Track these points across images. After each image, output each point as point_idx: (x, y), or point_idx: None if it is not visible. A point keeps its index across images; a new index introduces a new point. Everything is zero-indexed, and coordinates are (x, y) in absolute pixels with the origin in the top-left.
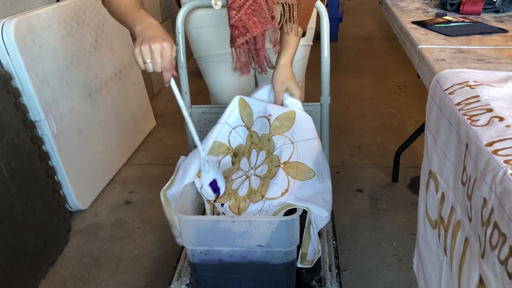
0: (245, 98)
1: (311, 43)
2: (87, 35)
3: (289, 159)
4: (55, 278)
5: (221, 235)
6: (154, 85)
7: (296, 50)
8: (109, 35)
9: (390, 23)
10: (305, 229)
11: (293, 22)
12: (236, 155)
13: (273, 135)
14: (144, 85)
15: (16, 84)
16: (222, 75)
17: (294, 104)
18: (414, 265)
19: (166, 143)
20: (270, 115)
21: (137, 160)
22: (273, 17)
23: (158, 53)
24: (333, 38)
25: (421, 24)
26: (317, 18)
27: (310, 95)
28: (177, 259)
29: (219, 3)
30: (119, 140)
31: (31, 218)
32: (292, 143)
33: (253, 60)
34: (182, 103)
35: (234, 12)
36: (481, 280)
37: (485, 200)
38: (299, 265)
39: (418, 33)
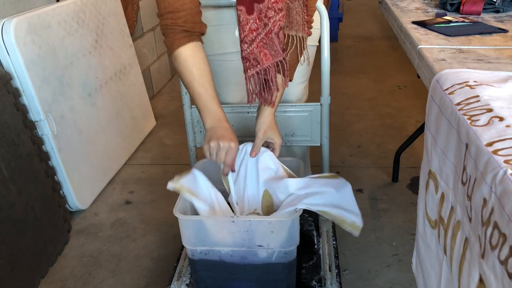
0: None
1: (317, 44)
2: (87, 35)
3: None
4: (55, 278)
5: (221, 235)
6: (154, 85)
7: (281, 99)
8: (109, 35)
9: (390, 23)
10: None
11: (303, 54)
12: None
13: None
14: (144, 85)
15: (16, 84)
16: (229, 73)
17: (267, 163)
18: (413, 265)
19: (166, 143)
20: (255, 209)
21: (137, 160)
22: (283, 50)
23: (224, 151)
24: (333, 38)
25: (421, 24)
26: None
27: (310, 95)
28: (177, 259)
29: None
30: (119, 140)
31: (31, 218)
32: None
33: (263, 90)
34: (234, 196)
35: (246, 45)
36: (481, 280)
37: (485, 200)
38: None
39: (418, 33)
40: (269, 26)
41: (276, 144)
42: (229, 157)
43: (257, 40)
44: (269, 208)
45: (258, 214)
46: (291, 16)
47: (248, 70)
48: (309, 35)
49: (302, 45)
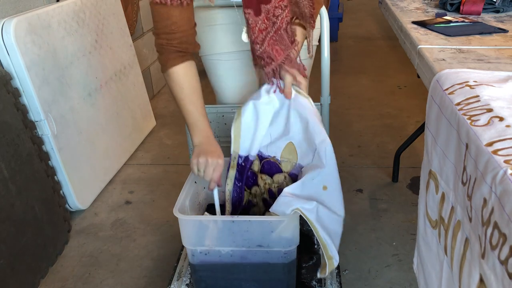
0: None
1: (317, 43)
2: (87, 35)
3: None
4: (55, 278)
5: (221, 235)
6: (154, 85)
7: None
8: (109, 35)
9: (390, 23)
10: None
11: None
12: (254, 196)
13: (287, 172)
14: (144, 85)
15: (16, 84)
16: (227, 73)
17: (299, 100)
18: (414, 265)
19: (166, 143)
20: (274, 156)
21: (137, 160)
22: (292, 42)
23: (212, 167)
24: (333, 38)
25: (421, 24)
26: None
27: (310, 95)
28: (177, 259)
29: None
30: (119, 140)
31: (31, 218)
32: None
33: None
34: (219, 210)
35: (258, 46)
36: (481, 280)
37: (485, 200)
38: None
39: (418, 33)
40: (277, 24)
41: (302, 84)
42: (216, 173)
43: (268, 39)
44: (291, 158)
45: (276, 160)
46: (300, 8)
47: (265, 68)
48: (313, 29)
49: (309, 37)
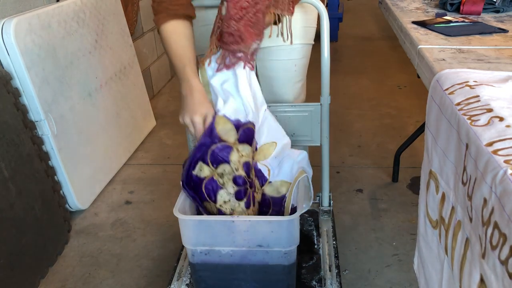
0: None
1: (313, 43)
2: (87, 35)
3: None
4: (55, 278)
5: (221, 235)
6: (154, 85)
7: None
8: (109, 35)
9: (390, 23)
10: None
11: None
12: (222, 175)
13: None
14: (144, 85)
15: (16, 84)
16: None
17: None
18: (415, 265)
19: (166, 143)
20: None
21: (137, 160)
22: (262, 30)
23: (191, 127)
24: (333, 38)
25: (421, 24)
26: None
27: (310, 95)
28: (177, 259)
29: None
30: (119, 140)
31: (31, 218)
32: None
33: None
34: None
35: (234, 22)
36: (482, 280)
37: (485, 200)
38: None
39: (418, 33)
40: (259, 5)
41: None
42: (195, 131)
43: (245, 19)
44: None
45: (253, 126)
46: None
47: (231, 45)
48: (292, 15)
49: (286, 24)
